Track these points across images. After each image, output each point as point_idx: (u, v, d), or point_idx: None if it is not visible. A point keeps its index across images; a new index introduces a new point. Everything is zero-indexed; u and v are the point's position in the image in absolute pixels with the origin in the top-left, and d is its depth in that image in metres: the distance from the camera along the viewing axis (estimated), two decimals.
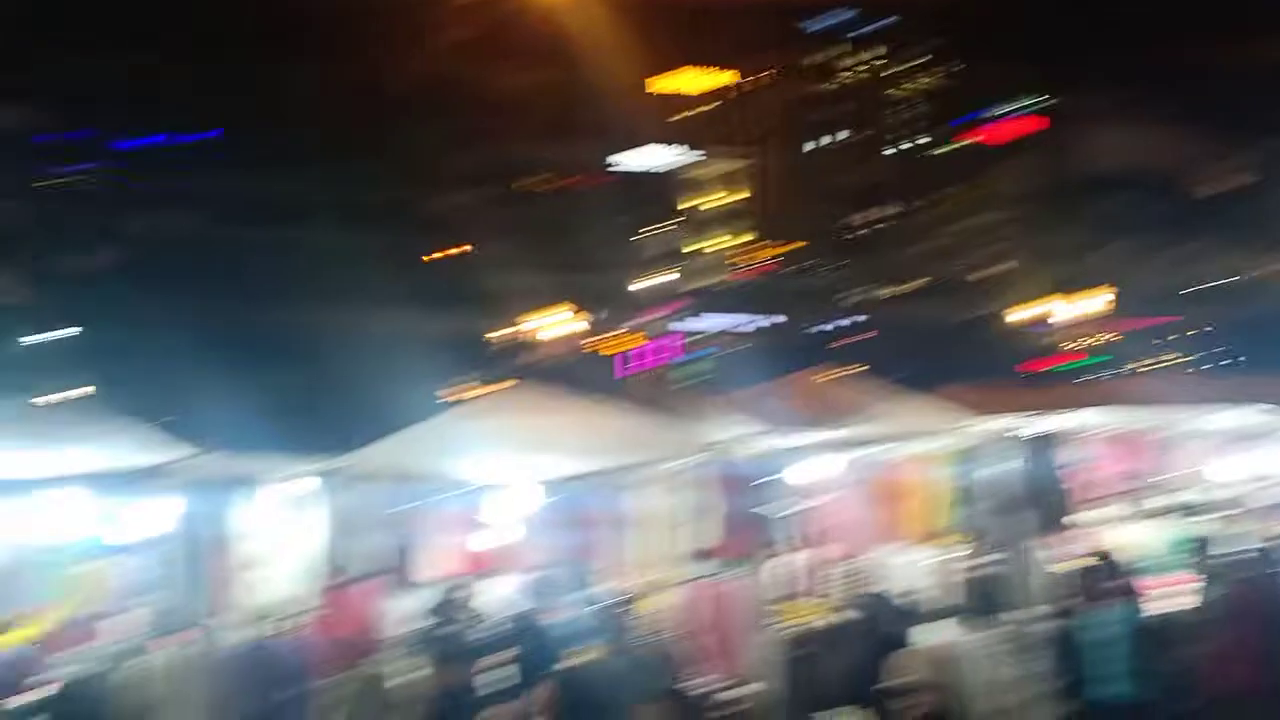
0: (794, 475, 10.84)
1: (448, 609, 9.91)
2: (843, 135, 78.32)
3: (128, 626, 9.32)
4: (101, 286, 35.44)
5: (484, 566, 11.37)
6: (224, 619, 9.18)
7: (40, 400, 9.80)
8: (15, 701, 8.83)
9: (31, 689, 9.01)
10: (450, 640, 9.49)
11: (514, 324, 56.99)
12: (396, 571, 10.18)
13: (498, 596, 10.95)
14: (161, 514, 9.34)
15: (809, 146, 76.70)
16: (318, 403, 27.76)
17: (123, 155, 42.19)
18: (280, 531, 9.98)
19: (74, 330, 35.55)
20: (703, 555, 10.22)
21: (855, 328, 62.99)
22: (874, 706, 8.66)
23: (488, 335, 55.49)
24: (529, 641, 9.40)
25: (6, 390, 9.78)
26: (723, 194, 75.22)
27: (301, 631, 9.46)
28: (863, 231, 73.02)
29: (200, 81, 43.00)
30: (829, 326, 63.17)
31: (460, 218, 54.09)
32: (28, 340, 34.35)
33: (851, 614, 10.18)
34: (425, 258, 53.63)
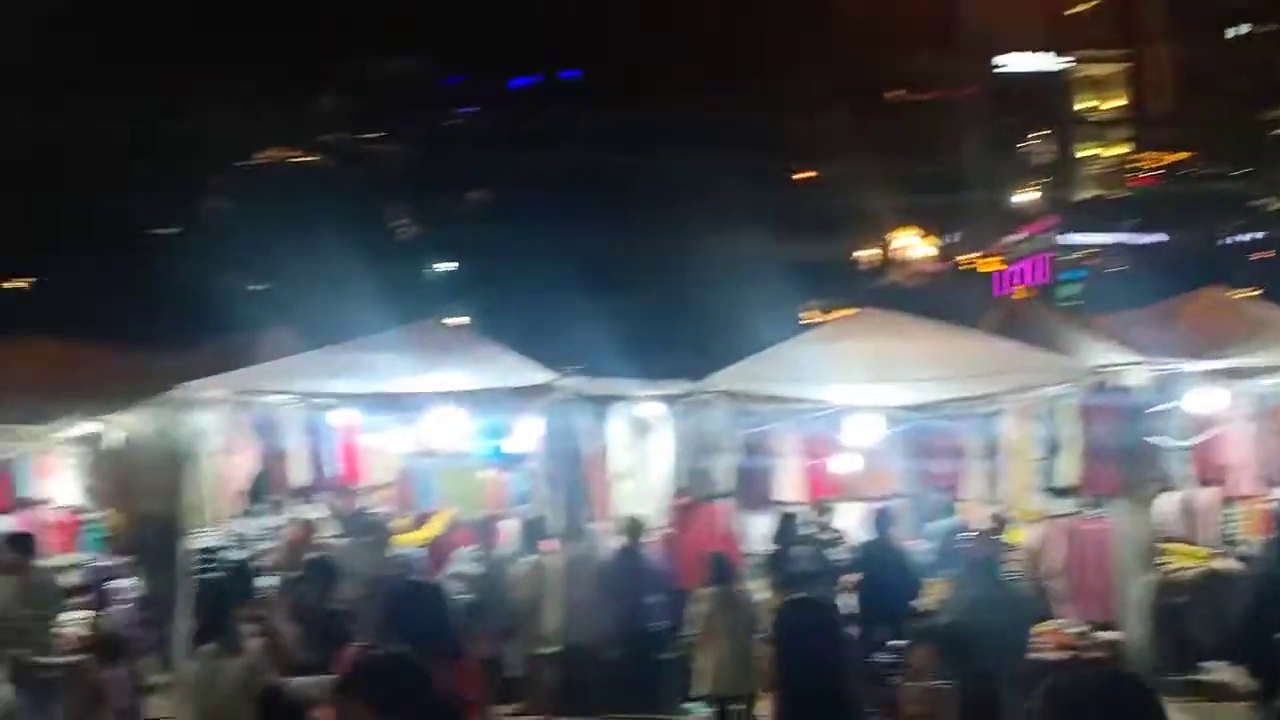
0: (1177, 407, 9.92)
1: (793, 533, 10.08)
2: (1245, 28, 68.98)
3: (517, 528, 10.23)
4: (478, 222, 38.50)
5: (832, 492, 11.43)
6: (600, 527, 9.89)
7: (431, 325, 10.86)
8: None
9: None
10: (794, 564, 9.65)
11: (878, 244, 55.82)
12: (749, 493, 10.45)
13: (846, 523, 10.98)
14: (541, 430, 10.16)
15: (1202, 42, 68.27)
16: (679, 326, 28.80)
17: (499, 97, 45.28)
18: (643, 449, 10.54)
19: (453, 265, 38.94)
20: (1067, 490, 9.66)
21: (1254, 244, 55.86)
22: (1254, 664, 7.85)
23: (851, 256, 54.75)
24: (875, 569, 9.37)
25: (398, 318, 10.94)
26: (1104, 99, 68.92)
27: (662, 543, 10.01)
28: (1269, 135, 64.22)
29: (569, 22, 45.18)
30: (1222, 243, 56.47)
31: (826, 136, 53.26)
32: (416, 272, 38.06)
33: (1237, 561, 9.26)
34: (790, 178, 53.47)
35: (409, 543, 10.68)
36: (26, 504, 11.54)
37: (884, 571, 9.35)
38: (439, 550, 10.74)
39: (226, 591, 7.14)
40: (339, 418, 11.15)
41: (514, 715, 9.51)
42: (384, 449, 11.76)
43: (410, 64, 44.91)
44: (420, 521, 11.18)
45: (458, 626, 4.97)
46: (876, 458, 11.18)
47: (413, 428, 11.00)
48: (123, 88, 33.19)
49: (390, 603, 4.91)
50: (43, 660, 7.96)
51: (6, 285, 38.01)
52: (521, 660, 9.60)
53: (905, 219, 54.35)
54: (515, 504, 11.24)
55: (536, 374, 9.99)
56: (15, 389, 11.56)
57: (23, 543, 8.85)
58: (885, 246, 56.20)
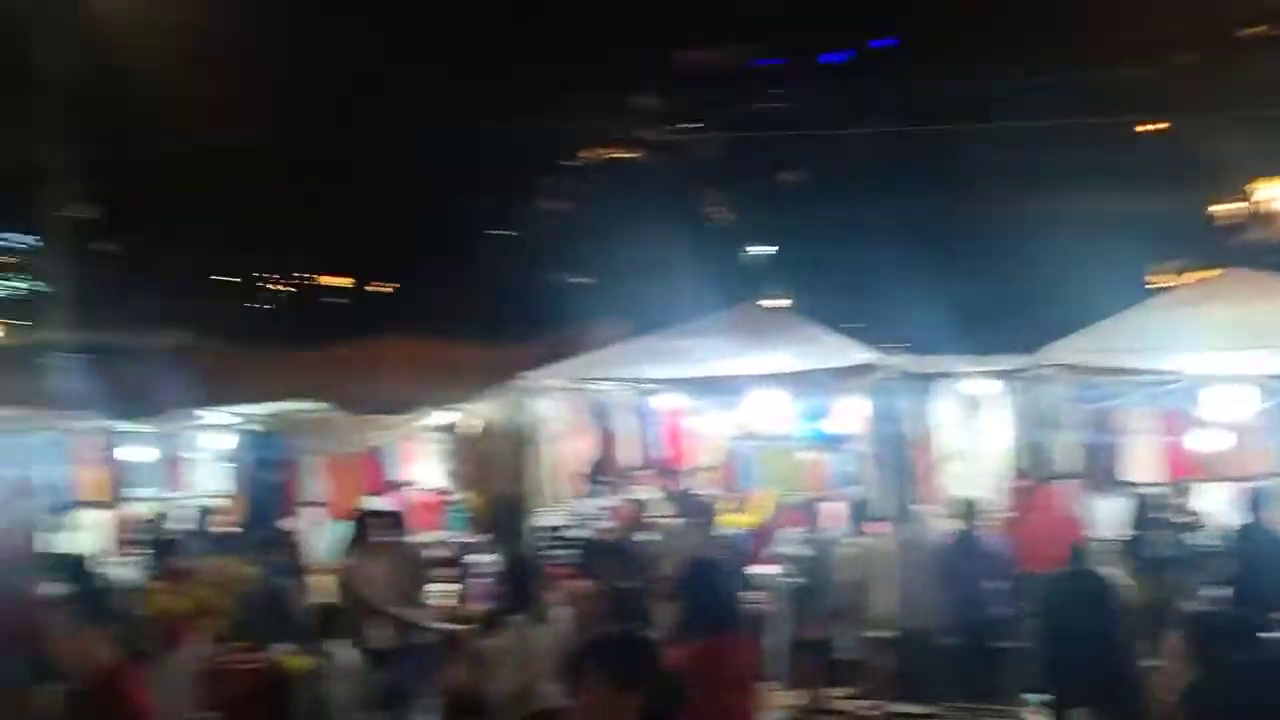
0: None
1: (1153, 516, 9.28)
2: None
3: (841, 511, 10.14)
4: (796, 202, 38.34)
5: (1195, 472, 10.42)
6: (927, 509, 9.59)
7: (750, 309, 10.91)
8: (751, 569, 10.20)
9: (761, 562, 10.32)
10: (1150, 549, 8.89)
11: (1240, 197, 50.32)
12: (1095, 473, 9.75)
13: (1212, 505, 9.98)
14: (863, 411, 9.98)
15: None
16: (1010, 297, 27.39)
17: (811, 74, 44.87)
18: (973, 428, 10.10)
19: (771, 248, 38.99)
20: None
21: None
22: None
23: (1206, 212, 49.73)
24: (1249, 556, 8.44)
25: (719, 303, 11.08)
26: None
27: (1000, 527, 9.55)
28: None
29: None
30: None
31: (1175, 80, 48.48)
32: (735, 257, 38.45)
33: None
34: (1134, 129, 49.17)
35: (735, 524, 10.82)
36: (395, 486, 12.77)
37: (1259, 558, 8.41)
38: (764, 532, 10.83)
39: (533, 564, 7.57)
40: (665, 402, 11.49)
41: (846, 699, 9.42)
42: (708, 431, 11.99)
43: (722, 51, 45.57)
44: (743, 503, 11.31)
45: (738, 602, 5.06)
46: (1245, 434, 10.08)
47: (735, 410, 11.14)
48: (461, 94, 35.84)
49: (678, 579, 5.09)
50: (426, 626, 8.76)
51: (372, 289, 42.31)
52: (851, 643, 9.49)
53: (1272, 167, 48.53)
54: (837, 486, 11.11)
55: (859, 353, 9.82)
56: (382, 383, 12.87)
57: (393, 520, 9.76)
58: (1249, 199, 50.52)
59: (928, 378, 9.87)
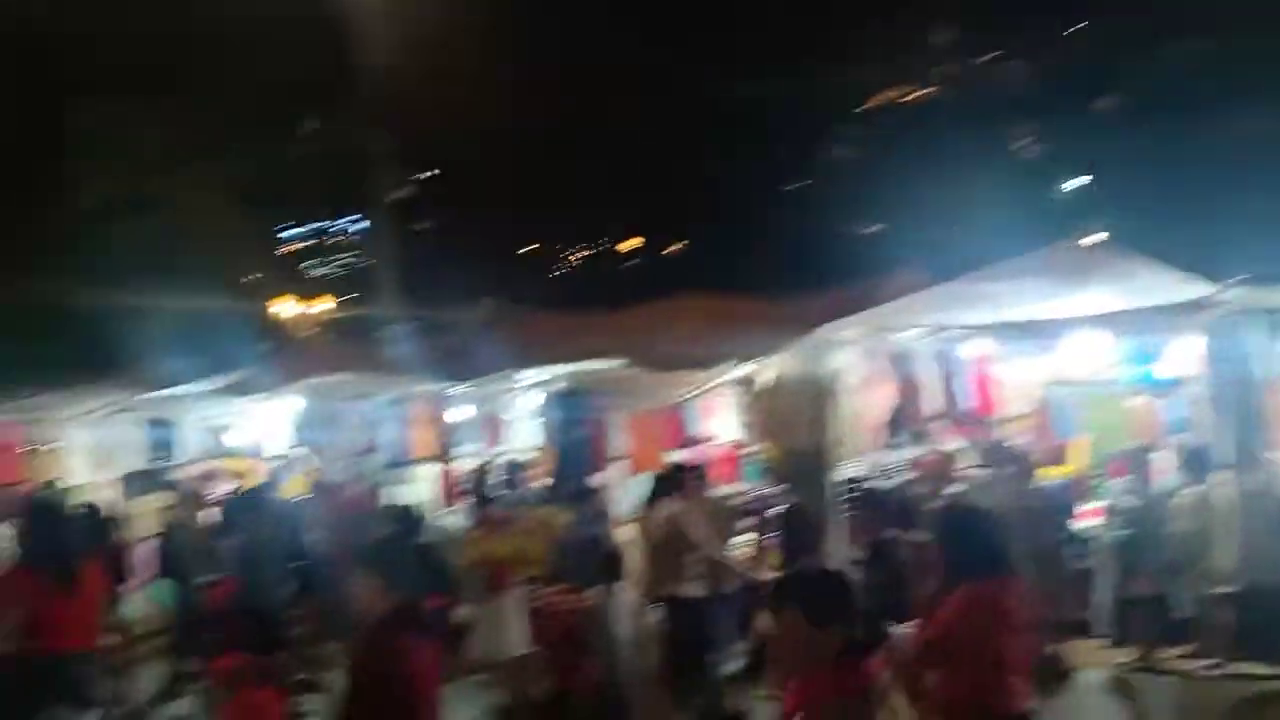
0: None
1: None
2: None
3: (1173, 459, 9.34)
4: (1113, 129, 35.33)
5: None
6: (1277, 456, 8.65)
7: (1065, 246, 10.09)
8: (1077, 525, 9.64)
9: (1083, 514, 9.70)
10: None
11: None
12: None
13: None
14: (1198, 350, 9.10)
15: None
16: None
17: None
18: None
19: (1085, 179, 36.17)
20: None
21: None
22: None
23: None
24: None
25: (1035, 240, 10.28)
26: None
27: None
28: None
29: None
30: None
31: None
32: (1047, 191, 36.07)
33: None
34: None
35: (1053, 475, 10.23)
36: (694, 441, 13.04)
37: None
38: (1085, 483, 10.17)
39: (813, 517, 7.52)
40: (972, 349, 10.98)
41: (1182, 658, 8.73)
42: (1020, 379, 11.37)
43: None
44: (1061, 453, 10.66)
45: (1004, 549, 4.83)
46: None
47: (1051, 355, 10.48)
48: (753, 46, 35.63)
49: (936, 528, 4.98)
50: (735, 574, 8.94)
51: (666, 251, 43.24)
52: (1189, 599, 8.75)
53: None
54: (1170, 432, 10.22)
55: (1192, 288, 8.90)
56: (679, 340, 13.11)
57: (697, 473, 9.95)
58: None
59: (1269, 312, 8.81)
